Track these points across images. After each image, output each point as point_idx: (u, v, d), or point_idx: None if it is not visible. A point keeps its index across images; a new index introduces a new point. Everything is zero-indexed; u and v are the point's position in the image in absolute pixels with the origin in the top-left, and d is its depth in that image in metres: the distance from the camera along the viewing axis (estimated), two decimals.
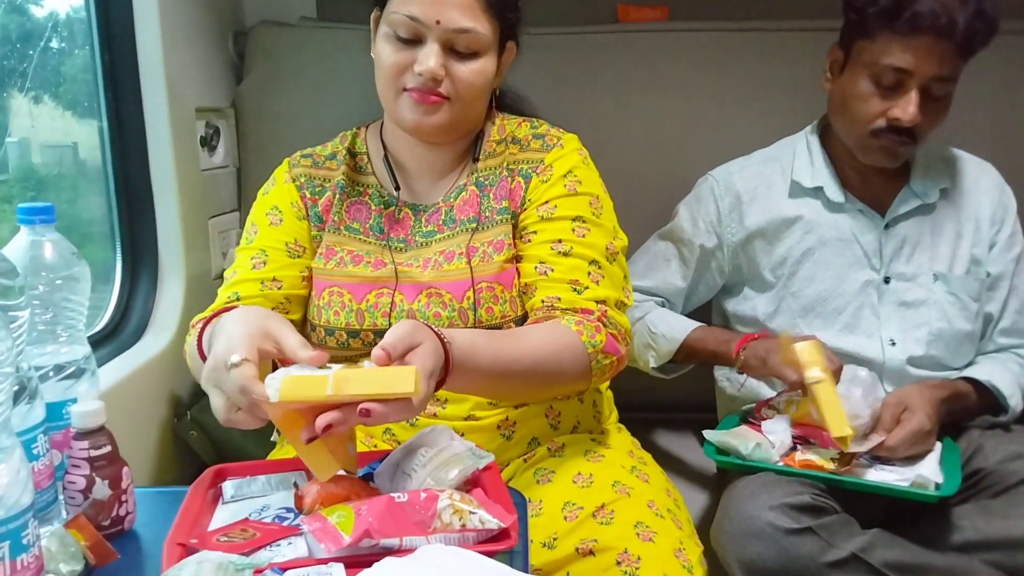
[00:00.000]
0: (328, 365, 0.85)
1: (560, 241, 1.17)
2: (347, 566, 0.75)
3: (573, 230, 1.18)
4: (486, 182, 1.23)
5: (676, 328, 1.47)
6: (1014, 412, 1.40)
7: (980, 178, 1.49)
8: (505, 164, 1.23)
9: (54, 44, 1.53)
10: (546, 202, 1.19)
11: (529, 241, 1.19)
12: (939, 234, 1.45)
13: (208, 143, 1.70)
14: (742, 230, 1.49)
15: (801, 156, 1.49)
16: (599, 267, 1.17)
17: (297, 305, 1.21)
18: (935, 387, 1.36)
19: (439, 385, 0.93)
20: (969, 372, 1.42)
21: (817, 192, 1.46)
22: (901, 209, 1.45)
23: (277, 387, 0.80)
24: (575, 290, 1.14)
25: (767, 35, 1.75)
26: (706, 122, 1.76)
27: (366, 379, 0.82)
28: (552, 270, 1.16)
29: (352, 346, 1.19)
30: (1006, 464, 1.32)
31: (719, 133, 1.75)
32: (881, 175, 1.45)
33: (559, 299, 1.14)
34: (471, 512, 0.80)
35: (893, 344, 1.42)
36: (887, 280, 1.44)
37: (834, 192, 1.45)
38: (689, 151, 1.76)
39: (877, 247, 1.44)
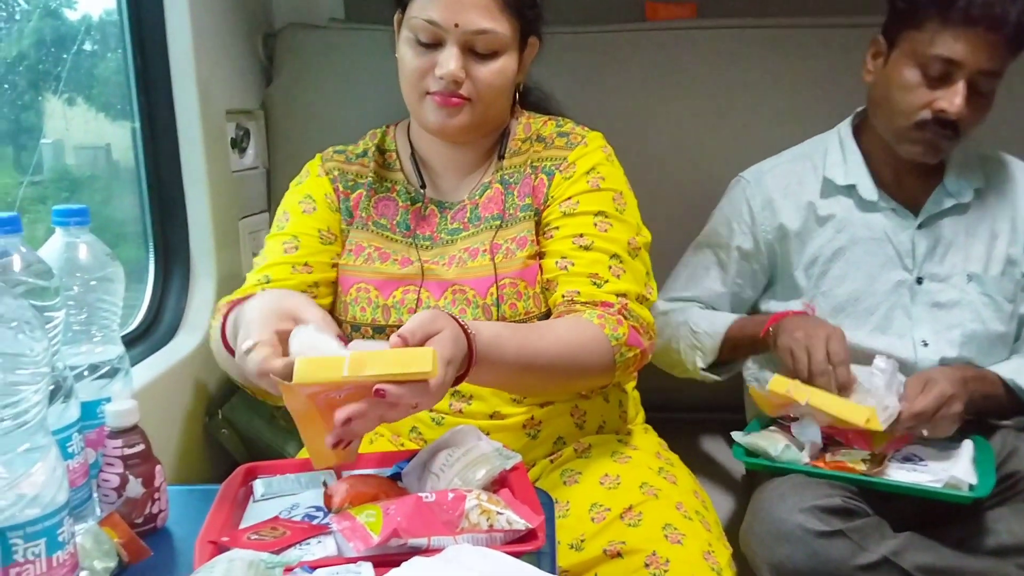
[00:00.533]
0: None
1: (582, 235, 1.17)
2: (376, 565, 0.75)
3: (595, 224, 1.17)
4: (511, 179, 1.23)
5: (717, 323, 1.46)
6: None
7: (1017, 178, 1.46)
8: (529, 162, 1.24)
9: (87, 47, 1.55)
10: (568, 198, 1.19)
11: (551, 237, 1.19)
12: (973, 234, 1.42)
13: (238, 144, 1.72)
14: (775, 227, 1.47)
15: (834, 153, 1.47)
16: (620, 261, 1.17)
17: (326, 290, 1.22)
18: (958, 367, 1.34)
19: (461, 378, 0.93)
20: (995, 368, 1.38)
21: (850, 190, 1.45)
22: (935, 209, 1.42)
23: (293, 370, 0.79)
24: (595, 283, 1.14)
25: (795, 32, 1.73)
26: (734, 119, 1.74)
27: (383, 359, 0.80)
28: (573, 264, 1.15)
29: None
30: None
31: (747, 130, 1.73)
32: (915, 174, 1.43)
33: (579, 293, 1.13)
34: (498, 512, 0.80)
35: (926, 345, 1.40)
36: (920, 280, 1.42)
37: (867, 190, 1.43)
38: (717, 149, 1.74)
39: (910, 247, 1.42)
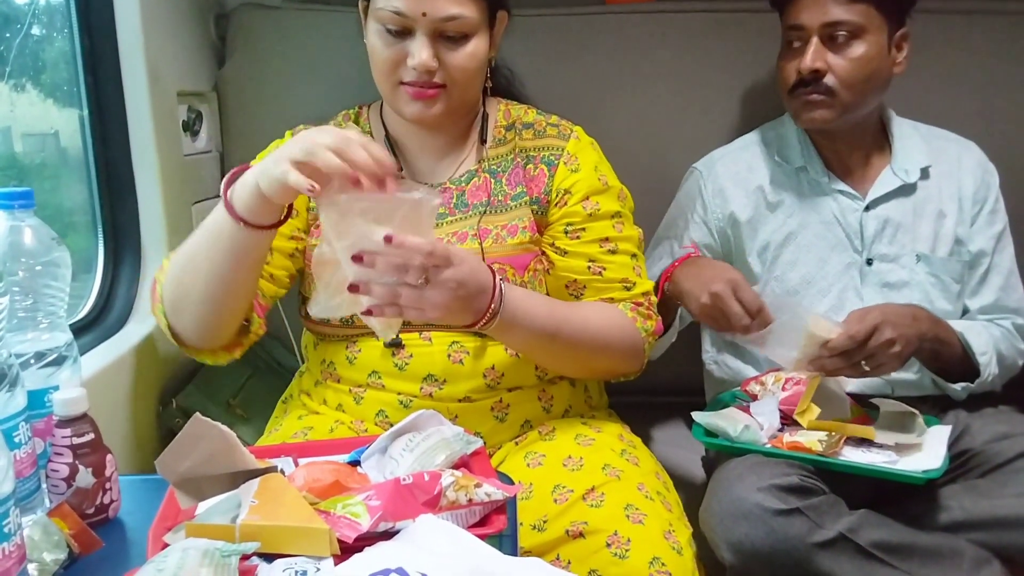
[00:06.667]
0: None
1: (607, 239, 1.23)
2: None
3: (614, 226, 1.24)
4: (498, 169, 1.25)
5: None
6: (985, 374, 1.37)
7: (962, 157, 1.48)
8: (517, 150, 1.25)
9: (35, 31, 1.50)
10: (587, 197, 1.23)
11: (578, 238, 1.23)
12: (921, 215, 1.45)
13: (190, 128, 1.68)
14: (727, 215, 1.49)
15: (783, 139, 1.49)
16: (637, 259, 1.27)
17: (280, 259, 1.21)
18: (912, 307, 1.33)
19: (481, 322, 1.04)
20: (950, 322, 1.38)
21: (799, 174, 1.47)
22: (882, 190, 1.45)
23: None
24: (626, 288, 1.23)
25: (754, 17, 1.73)
26: (694, 104, 1.75)
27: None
28: (604, 269, 1.22)
29: (356, 323, 1.18)
30: (992, 444, 1.32)
31: (707, 115, 1.74)
32: (861, 156, 1.45)
33: (612, 300, 1.23)
34: (476, 486, 0.80)
35: None
36: (869, 262, 1.44)
37: (816, 173, 1.45)
38: (677, 133, 1.75)
39: (859, 229, 1.44)
